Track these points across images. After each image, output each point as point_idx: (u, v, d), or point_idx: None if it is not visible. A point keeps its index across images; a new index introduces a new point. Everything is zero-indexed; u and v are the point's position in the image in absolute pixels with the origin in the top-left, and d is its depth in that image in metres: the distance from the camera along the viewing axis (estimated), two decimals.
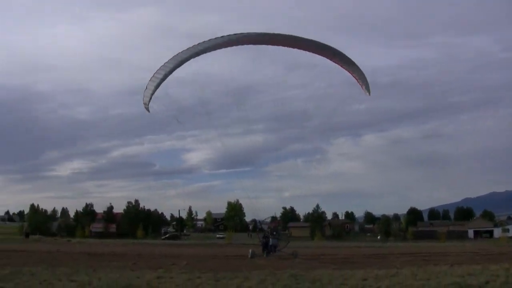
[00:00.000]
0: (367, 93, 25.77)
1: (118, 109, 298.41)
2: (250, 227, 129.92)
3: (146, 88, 24.61)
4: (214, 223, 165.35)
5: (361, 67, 24.18)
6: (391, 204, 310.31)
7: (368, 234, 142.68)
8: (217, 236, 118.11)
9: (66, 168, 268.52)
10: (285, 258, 31.41)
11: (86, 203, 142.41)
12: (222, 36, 23.19)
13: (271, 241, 34.11)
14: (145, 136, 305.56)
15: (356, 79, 25.68)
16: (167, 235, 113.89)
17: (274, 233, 34.71)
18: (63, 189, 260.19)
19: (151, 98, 24.69)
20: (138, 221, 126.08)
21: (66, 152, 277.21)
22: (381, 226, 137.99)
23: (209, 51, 23.32)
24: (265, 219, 38.94)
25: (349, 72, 25.26)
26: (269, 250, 33.51)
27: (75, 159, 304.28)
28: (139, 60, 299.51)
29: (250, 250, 34.06)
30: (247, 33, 23.19)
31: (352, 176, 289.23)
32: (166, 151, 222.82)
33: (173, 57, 23.54)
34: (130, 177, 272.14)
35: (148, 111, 25.34)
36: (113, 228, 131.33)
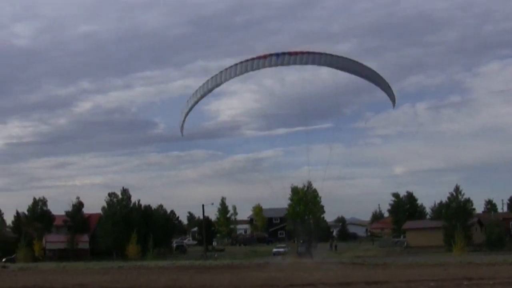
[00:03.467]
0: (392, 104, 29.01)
1: (85, 24, 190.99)
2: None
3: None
4: (269, 227, 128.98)
5: None
6: None
7: None
8: (274, 250, 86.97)
9: None
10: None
11: (35, 199, 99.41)
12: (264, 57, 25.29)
13: (299, 249, 35.43)
14: (137, 72, 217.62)
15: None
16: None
17: (301, 241, 36.67)
18: None
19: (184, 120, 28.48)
20: (130, 228, 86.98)
21: None
22: None
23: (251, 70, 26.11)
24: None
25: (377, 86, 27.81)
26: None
27: (10, 120, 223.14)
28: None
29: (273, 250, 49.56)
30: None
31: None
32: (176, 99, 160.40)
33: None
34: (111, 149, 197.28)
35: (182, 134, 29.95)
36: (84, 241, 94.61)
